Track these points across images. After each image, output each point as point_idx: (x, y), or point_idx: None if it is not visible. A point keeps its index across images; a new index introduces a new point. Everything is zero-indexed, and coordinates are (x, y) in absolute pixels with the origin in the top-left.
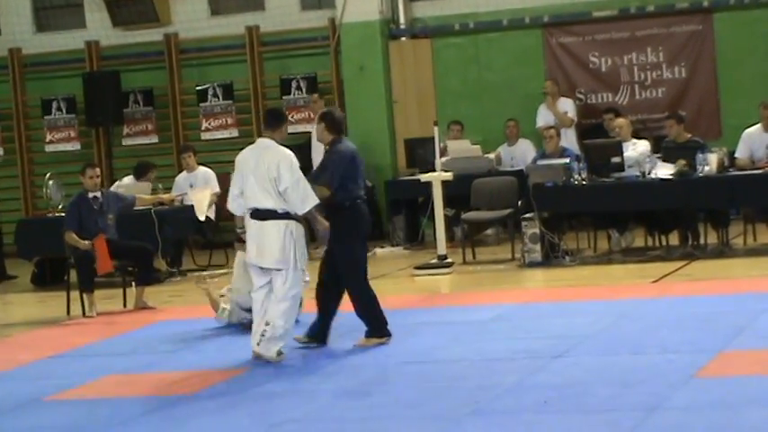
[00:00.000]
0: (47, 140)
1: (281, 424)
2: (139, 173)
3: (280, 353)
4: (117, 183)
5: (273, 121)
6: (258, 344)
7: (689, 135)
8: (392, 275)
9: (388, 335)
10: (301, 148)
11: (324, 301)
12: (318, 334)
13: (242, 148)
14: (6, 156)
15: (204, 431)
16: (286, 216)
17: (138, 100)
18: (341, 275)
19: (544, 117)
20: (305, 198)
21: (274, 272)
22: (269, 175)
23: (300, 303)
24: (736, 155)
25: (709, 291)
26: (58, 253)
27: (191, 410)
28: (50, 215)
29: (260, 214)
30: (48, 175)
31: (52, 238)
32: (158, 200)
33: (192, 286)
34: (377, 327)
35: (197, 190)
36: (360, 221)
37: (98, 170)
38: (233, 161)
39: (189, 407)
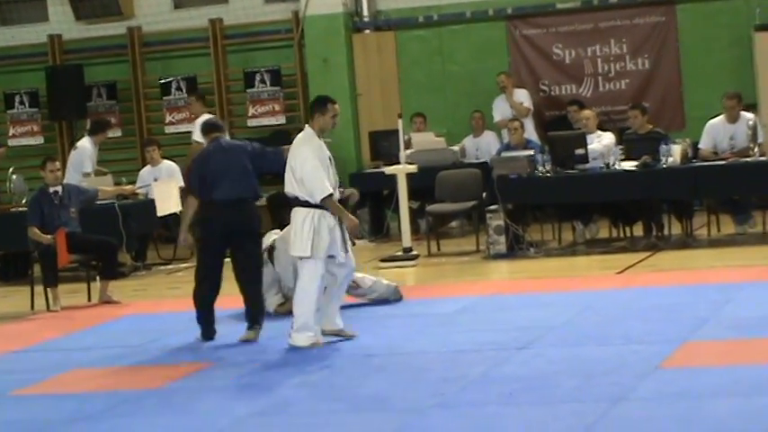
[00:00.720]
0: (9, 135)
1: (247, 417)
2: (95, 129)
3: (312, 342)
4: (73, 150)
5: (311, 110)
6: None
7: (650, 126)
8: (358, 268)
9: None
10: (263, 141)
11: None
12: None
13: None
14: None
15: (169, 425)
16: (310, 204)
17: (101, 93)
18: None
19: (501, 111)
20: (313, 189)
21: (299, 261)
22: (292, 162)
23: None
24: (699, 146)
25: (673, 281)
26: (22, 247)
27: (156, 404)
28: (13, 210)
29: (292, 201)
30: (11, 169)
31: (15, 232)
32: (120, 191)
33: (157, 280)
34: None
35: (160, 182)
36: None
37: (58, 164)
38: None
39: (154, 401)
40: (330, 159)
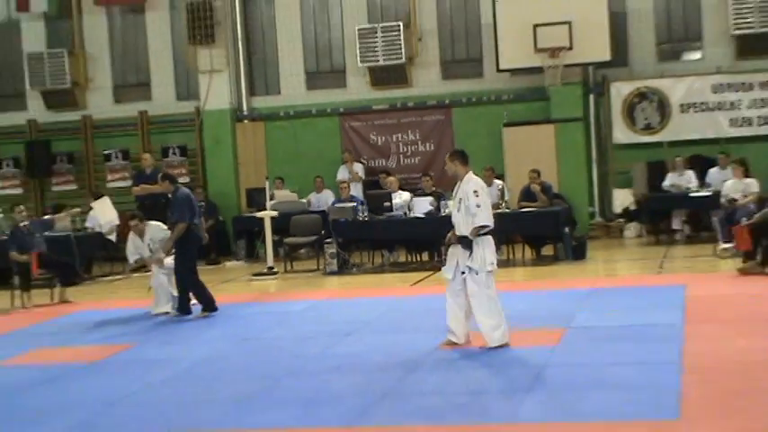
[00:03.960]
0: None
1: (156, 384)
2: (56, 210)
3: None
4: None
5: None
6: None
7: (434, 188)
8: (237, 280)
9: (215, 309)
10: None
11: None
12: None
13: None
14: None
15: (94, 387)
16: None
17: (63, 160)
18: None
19: (342, 174)
20: None
21: None
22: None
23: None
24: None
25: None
26: (4, 264)
27: (90, 373)
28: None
29: None
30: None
31: (1, 254)
32: (69, 214)
33: (100, 287)
34: (206, 301)
35: (97, 204)
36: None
37: (22, 207)
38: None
39: (88, 371)
40: (457, 199)
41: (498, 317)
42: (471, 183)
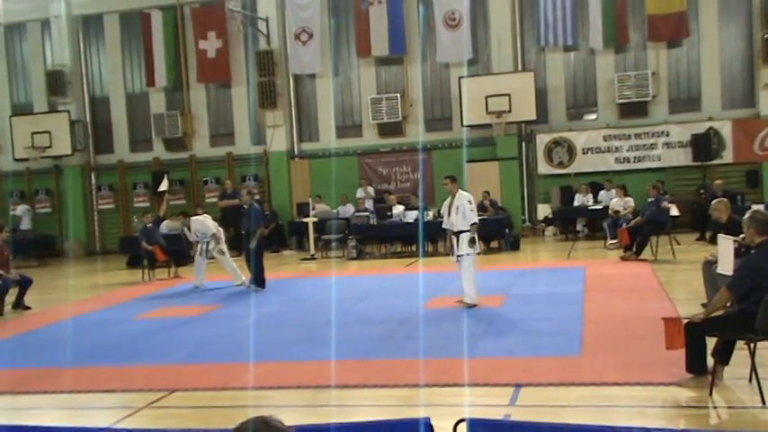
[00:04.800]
0: (134, 202)
1: (236, 330)
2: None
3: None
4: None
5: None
6: None
7: (419, 203)
8: (291, 264)
9: (264, 287)
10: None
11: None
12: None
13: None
14: (115, 206)
15: (196, 331)
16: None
17: (176, 184)
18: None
19: (360, 193)
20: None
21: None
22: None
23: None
24: (441, 211)
25: (431, 270)
26: (138, 251)
27: (193, 323)
28: (134, 235)
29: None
30: (134, 216)
31: (135, 245)
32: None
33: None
34: (261, 281)
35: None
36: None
37: (150, 215)
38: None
39: (192, 321)
40: (455, 207)
41: (474, 286)
42: (464, 196)
